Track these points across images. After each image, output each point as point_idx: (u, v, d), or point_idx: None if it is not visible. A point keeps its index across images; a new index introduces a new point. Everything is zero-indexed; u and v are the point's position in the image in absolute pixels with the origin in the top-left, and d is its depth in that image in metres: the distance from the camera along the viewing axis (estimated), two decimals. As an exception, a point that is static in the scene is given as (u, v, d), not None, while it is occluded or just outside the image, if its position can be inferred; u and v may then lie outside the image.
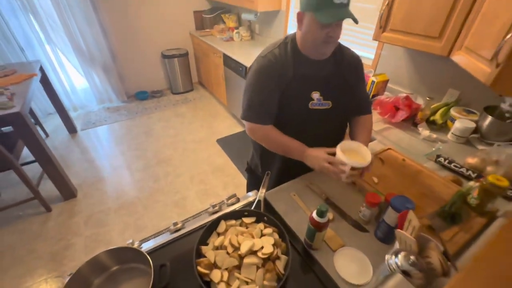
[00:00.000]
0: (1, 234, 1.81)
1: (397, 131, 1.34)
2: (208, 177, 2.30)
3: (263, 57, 0.89)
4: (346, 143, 0.87)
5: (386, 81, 1.54)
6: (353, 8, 0.86)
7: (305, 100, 0.89)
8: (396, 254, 0.57)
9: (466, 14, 1.03)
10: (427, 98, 1.28)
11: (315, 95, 0.89)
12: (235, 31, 3.14)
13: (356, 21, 0.79)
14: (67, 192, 2.05)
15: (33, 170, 2.15)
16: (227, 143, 2.73)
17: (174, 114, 3.32)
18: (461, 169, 1.02)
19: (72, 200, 2.08)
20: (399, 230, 0.59)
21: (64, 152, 2.64)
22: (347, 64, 0.93)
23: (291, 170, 1.01)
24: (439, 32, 1.14)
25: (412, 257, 0.54)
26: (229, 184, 2.22)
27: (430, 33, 1.17)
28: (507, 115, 1.11)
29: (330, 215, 0.87)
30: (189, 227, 0.90)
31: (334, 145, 0.85)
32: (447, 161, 1.06)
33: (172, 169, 2.39)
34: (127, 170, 2.39)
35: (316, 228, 0.71)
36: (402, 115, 1.32)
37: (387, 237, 0.77)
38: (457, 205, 0.82)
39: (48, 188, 2.06)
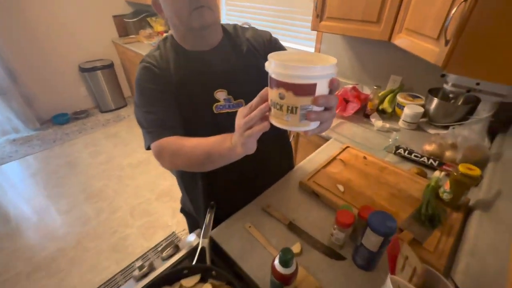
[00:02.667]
0: None
1: (350, 125, 1.24)
2: (152, 205, 1.95)
3: (140, 64, 0.68)
4: (292, 53, 0.47)
5: (331, 74, 1.46)
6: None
7: (206, 103, 0.69)
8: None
9: (400, -6, 0.97)
10: (374, 87, 1.22)
11: (221, 94, 0.70)
12: (165, 35, 2.81)
13: None
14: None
15: None
16: (173, 161, 2.40)
17: (104, 136, 2.83)
18: (422, 159, 0.95)
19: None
20: (393, 276, 0.42)
21: None
22: (254, 48, 0.74)
23: (224, 190, 0.80)
24: (376, 16, 1.06)
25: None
26: (178, 210, 1.90)
27: (368, 18, 1.09)
28: (450, 95, 1.09)
29: (297, 247, 0.68)
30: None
31: (277, 162, 0.65)
32: (406, 152, 0.98)
33: (106, 204, 1.96)
34: (45, 216, 1.88)
35: (282, 281, 0.51)
36: (353, 107, 1.23)
37: (370, 263, 0.62)
38: (433, 205, 0.71)
39: None
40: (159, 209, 1.92)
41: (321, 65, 0.39)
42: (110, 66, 3.13)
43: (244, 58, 0.72)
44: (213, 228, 0.74)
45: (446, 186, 0.75)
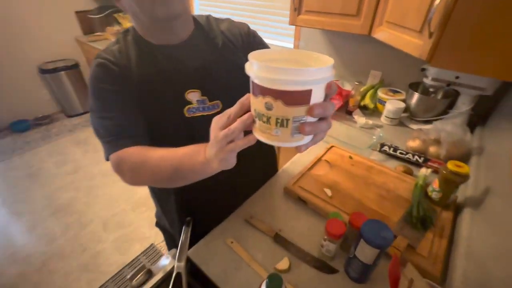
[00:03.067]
0: None
1: (333, 122, 1.20)
2: (128, 217, 1.80)
3: (95, 60, 0.58)
4: (277, 52, 0.38)
5: (311, 70, 1.41)
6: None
7: (176, 105, 0.60)
8: None
9: (380, -14, 0.93)
10: (356, 83, 1.18)
11: (193, 95, 0.61)
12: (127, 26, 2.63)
13: None
14: None
15: None
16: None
17: (72, 142, 2.60)
18: (407, 156, 0.92)
19: None
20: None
21: None
22: (231, 42, 0.66)
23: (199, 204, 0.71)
24: (356, 9, 1.02)
25: None
26: (158, 219, 1.78)
27: (348, 11, 1.04)
28: (431, 89, 1.08)
29: (284, 262, 0.61)
30: None
31: (261, 166, 0.57)
32: (391, 149, 0.95)
33: (74, 219, 1.79)
34: (3, 236, 1.67)
35: (271, 312, 0.44)
36: (336, 104, 1.19)
37: (364, 276, 0.57)
38: (424, 206, 0.68)
39: None
40: (136, 220, 1.78)
41: (316, 66, 0.31)
42: (75, 66, 2.88)
43: (220, 53, 0.64)
44: (190, 246, 0.66)
45: (435, 184, 0.73)
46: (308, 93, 0.30)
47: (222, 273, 0.60)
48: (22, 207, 1.89)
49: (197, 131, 0.62)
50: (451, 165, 0.68)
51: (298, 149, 0.37)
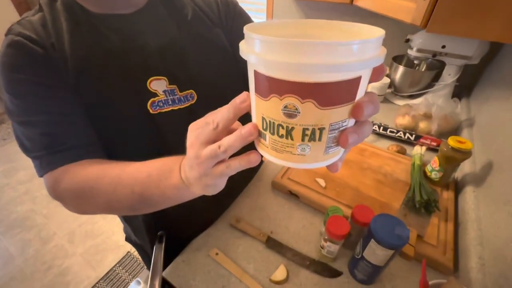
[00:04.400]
0: None
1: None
2: (97, 225, 1.61)
3: (7, 37, 0.39)
4: (280, 24, 0.25)
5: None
6: None
7: (136, 99, 0.45)
8: None
9: None
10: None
11: (158, 84, 0.45)
12: None
13: None
14: None
15: None
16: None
17: (23, 147, 2.28)
18: (398, 134, 0.86)
19: None
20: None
21: None
22: (203, 13, 0.51)
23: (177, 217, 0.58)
24: (335, -27, 0.91)
25: None
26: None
27: (326, -24, 0.93)
28: (415, 62, 1.02)
29: (281, 272, 0.52)
30: None
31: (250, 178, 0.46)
32: (381, 128, 0.88)
33: (33, 234, 1.57)
34: None
35: None
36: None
37: (372, 276, 0.49)
38: (427, 189, 0.62)
39: None
40: (107, 227, 1.60)
41: (361, 37, 0.18)
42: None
43: (189, 27, 0.48)
44: (167, 264, 0.54)
45: (434, 163, 0.67)
46: (356, 82, 0.19)
47: (208, 294, 0.50)
48: (-34, 227, 1.61)
49: (166, 131, 0.48)
50: (452, 142, 0.62)
51: (333, 168, 0.25)
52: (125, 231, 0.73)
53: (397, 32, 0.97)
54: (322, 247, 0.53)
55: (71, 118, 0.41)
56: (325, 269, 0.53)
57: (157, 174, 0.34)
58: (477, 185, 0.62)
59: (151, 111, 0.46)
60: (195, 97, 0.50)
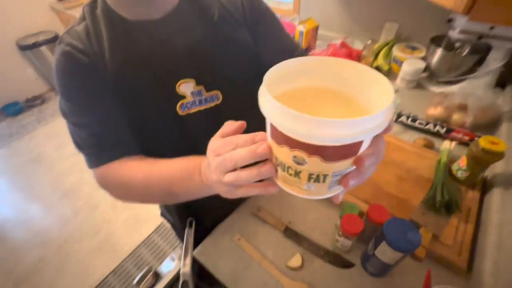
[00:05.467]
0: None
1: (342, 90, 1.08)
2: (135, 196, 1.81)
3: (57, 47, 0.45)
4: (298, 64, 0.26)
5: (316, 28, 1.23)
6: None
7: (166, 102, 0.49)
8: None
9: None
10: (368, 42, 1.02)
11: (186, 86, 0.49)
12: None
13: None
14: None
15: None
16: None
17: (68, 123, 2.52)
18: (428, 126, 0.82)
19: None
20: None
21: None
22: (229, 14, 0.51)
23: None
24: None
25: None
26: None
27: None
28: (457, 44, 0.93)
29: (297, 259, 0.57)
30: None
31: None
32: (410, 119, 0.85)
33: (83, 201, 1.81)
34: (14, 225, 1.71)
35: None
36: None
37: (383, 272, 0.53)
38: (449, 189, 0.61)
39: None
40: (143, 198, 1.78)
41: (368, 115, 0.19)
42: (55, 38, 2.64)
43: (216, 28, 0.50)
44: (197, 244, 0.62)
45: (462, 162, 0.65)
46: (358, 145, 0.22)
47: (231, 273, 0.57)
48: (31, 193, 1.90)
49: (194, 130, 0.53)
50: (484, 142, 0.59)
51: (334, 199, 0.28)
52: (161, 207, 0.83)
53: (437, 10, 0.87)
54: (337, 240, 0.57)
55: (113, 120, 0.47)
56: (338, 260, 0.57)
57: (179, 175, 0.39)
58: (507, 188, 0.59)
59: (180, 112, 0.50)
60: (220, 98, 0.53)
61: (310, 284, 0.54)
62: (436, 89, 0.99)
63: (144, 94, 0.47)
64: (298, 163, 0.23)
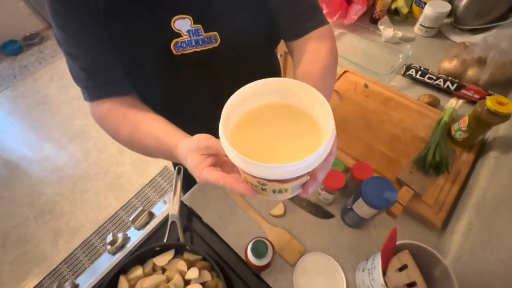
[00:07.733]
0: None
1: (351, 37, 0.97)
2: (140, 141, 1.87)
3: None
4: (259, 86, 0.30)
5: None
6: None
7: (159, 39, 0.45)
8: None
9: None
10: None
11: (182, 23, 0.44)
12: None
13: None
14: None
15: None
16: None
17: (69, 65, 2.46)
18: (438, 81, 0.76)
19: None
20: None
21: None
22: None
23: None
24: None
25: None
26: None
27: None
28: (493, -17, 0.78)
29: (279, 208, 0.60)
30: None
31: None
32: (419, 73, 0.78)
33: (91, 144, 1.89)
34: (31, 163, 1.84)
35: (255, 270, 0.45)
36: (357, 11, 0.92)
37: (359, 224, 0.55)
38: (442, 149, 0.59)
39: None
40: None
41: (310, 155, 0.24)
42: (43, -33, 2.38)
43: None
44: (186, 191, 0.66)
45: (463, 123, 0.61)
46: (306, 173, 0.27)
47: (218, 218, 0.61)
48: (40, 135, 1.98)
49: (187, 73, 0.50)
50: (491, 102, 0.54)
51: (303, 194, 0.31)
52: None
53: None
54: (319, 193, 0.59)
55: (104, 58, 0.45)
56: (319, 211, 0.60)
57: (159, 150, 0.40)
58: (503, 152, 0.57)
59: (174, 52, 0.47)
60: (218, 40, 0.48)
61: (290, 230, 0.58)
62: (457, 38, 0.88)
63: (136, 28, 0.44)
64: (262, 185, 0.28)
